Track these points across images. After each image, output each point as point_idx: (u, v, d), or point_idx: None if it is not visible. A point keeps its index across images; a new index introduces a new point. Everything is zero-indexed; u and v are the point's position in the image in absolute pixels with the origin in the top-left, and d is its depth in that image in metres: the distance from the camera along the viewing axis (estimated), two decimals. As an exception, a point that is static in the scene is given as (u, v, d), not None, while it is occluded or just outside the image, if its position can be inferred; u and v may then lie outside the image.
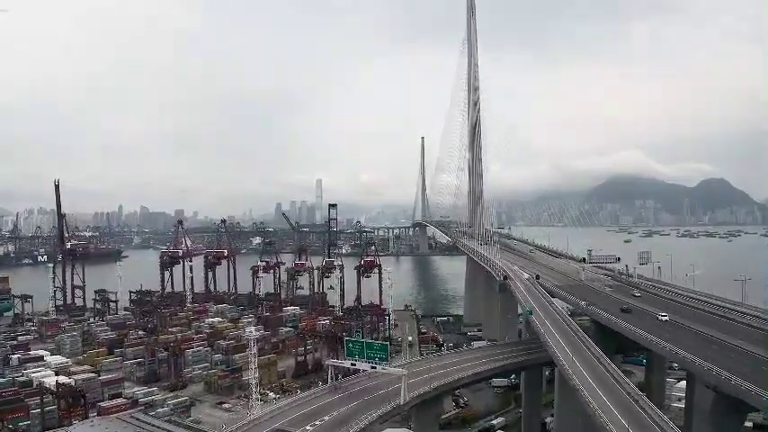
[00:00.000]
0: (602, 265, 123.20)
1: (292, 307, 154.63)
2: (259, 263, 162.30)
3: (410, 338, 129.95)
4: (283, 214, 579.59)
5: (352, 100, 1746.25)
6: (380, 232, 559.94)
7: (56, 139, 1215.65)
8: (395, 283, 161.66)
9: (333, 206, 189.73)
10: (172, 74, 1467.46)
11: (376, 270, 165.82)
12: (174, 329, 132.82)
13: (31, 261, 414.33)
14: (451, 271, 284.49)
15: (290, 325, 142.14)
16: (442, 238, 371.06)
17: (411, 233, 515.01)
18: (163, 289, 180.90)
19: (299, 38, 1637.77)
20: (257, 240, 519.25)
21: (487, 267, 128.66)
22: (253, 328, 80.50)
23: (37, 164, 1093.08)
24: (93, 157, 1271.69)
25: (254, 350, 79.63)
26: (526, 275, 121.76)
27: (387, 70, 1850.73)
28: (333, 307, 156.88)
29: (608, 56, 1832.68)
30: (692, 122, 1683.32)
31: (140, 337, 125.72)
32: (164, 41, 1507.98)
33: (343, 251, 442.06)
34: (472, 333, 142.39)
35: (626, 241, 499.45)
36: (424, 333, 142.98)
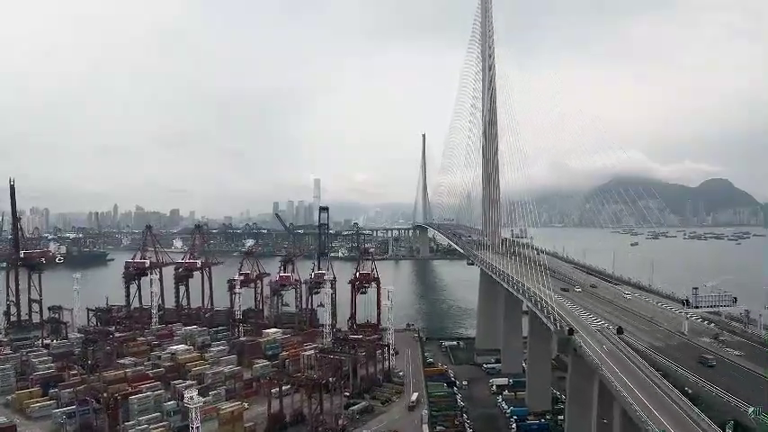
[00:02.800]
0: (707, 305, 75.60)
1: (274, 330, 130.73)
2: (237, 277, 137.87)
3: (414, 397, 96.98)
4: (276, 215, 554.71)
5: (351, 99, 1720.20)
6: (379, 233, 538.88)
7: (56, 140, 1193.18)
8: (394, 293, 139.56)
9: (324, 209, 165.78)
10: (172, 74, 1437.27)
11: (374, 284, 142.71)
12: (127, 361, 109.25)
13: (7, 265, 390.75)
14: (455, 277, 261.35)
15: (270, 352, 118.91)
16: (444, 240, 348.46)
17: (411, 234, 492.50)
18: (128, 305, 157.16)
19: (297, 37, 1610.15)
20: (250, 243, 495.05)
21: (529, 304, 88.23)
22: (195, 393, 56.81)
23: (33, 164, 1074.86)
24: (92, 157, 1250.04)
25: (197, 423, 56.27)
26: (582, 318, 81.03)
27: (386, 69, 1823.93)
28: (323, 326, 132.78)
29: (606, 55, 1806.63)
30: (693, 122, 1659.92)
31: (81, 374, 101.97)
32: (161, 42, 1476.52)
33: (340, 255, 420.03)
34: (489, 365, 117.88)
35: (633, 244, 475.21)
36: (431, 364, 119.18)
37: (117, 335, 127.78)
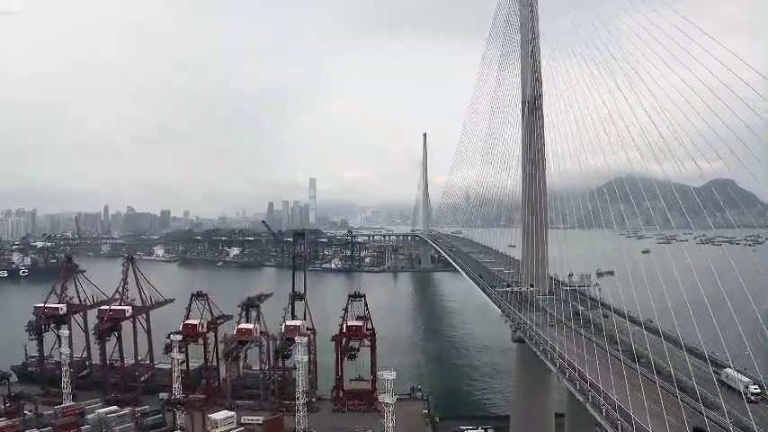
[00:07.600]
0: None
1: (224, 414, 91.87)
2: (172, 337, 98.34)
3: None
4: (263, 221, 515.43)
5: (350, 98, 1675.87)
6: (376, 237, 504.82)
7: (52, 140, 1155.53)
8: (393, 316, 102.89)
9: (299, 235, 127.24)
10: (171, 73, 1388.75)
11: (367, 342, 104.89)
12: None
13: None
14: (462, 299, 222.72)
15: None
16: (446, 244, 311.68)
17: (410, 239, 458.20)
18: (41, 363, 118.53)
19: (297, 36, 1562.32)
20: (235, 252, 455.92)
21: None
22: None
23: (30, 164, 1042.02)
24: (89, 156, 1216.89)
25: None
26: None
27: (387, 68, 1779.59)
28: (297, 400, 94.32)
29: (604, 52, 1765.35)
30: (694, 120, 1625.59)
31: None
32: (160, 42, 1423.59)
33: (332, 266, 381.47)
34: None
35: (644, 251, 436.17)
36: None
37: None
